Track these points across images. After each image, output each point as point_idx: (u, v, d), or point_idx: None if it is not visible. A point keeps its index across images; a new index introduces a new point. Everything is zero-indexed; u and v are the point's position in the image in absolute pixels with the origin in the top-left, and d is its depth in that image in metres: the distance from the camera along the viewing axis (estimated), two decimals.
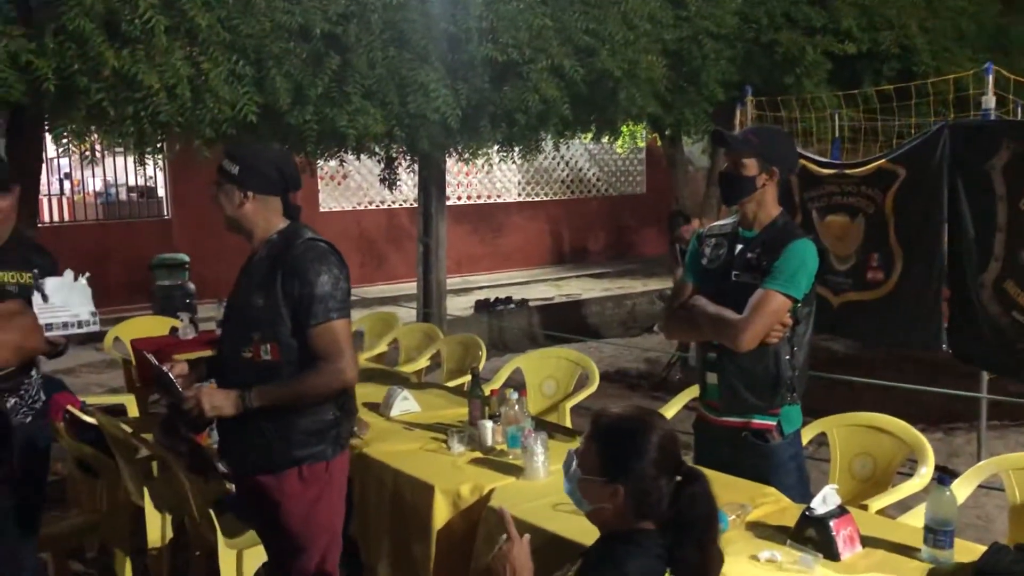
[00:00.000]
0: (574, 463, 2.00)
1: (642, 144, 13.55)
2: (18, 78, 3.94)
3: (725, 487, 2.57)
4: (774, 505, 2.73)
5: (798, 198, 5.66)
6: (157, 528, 3.84)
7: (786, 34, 7.17)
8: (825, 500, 2.42)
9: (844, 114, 6.45)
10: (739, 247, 2.93)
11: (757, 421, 2.92)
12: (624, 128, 9.24)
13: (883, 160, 5.26)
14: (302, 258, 2.60)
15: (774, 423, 2.92)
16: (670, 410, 4.09)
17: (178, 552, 3.90)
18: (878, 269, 5.29)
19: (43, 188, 8.93)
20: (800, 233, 2.90)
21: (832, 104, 6.70)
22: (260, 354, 2.62)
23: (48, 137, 5.76)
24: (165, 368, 2.72)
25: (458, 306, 10.07)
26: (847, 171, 5.45)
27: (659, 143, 10.81)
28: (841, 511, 2.41)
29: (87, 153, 5.09)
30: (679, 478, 1.95)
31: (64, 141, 4.95)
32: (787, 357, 2.86)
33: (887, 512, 3.13)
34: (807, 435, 3.30)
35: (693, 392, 4.03)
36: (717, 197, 8.94)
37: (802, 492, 2.88)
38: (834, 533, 2.35)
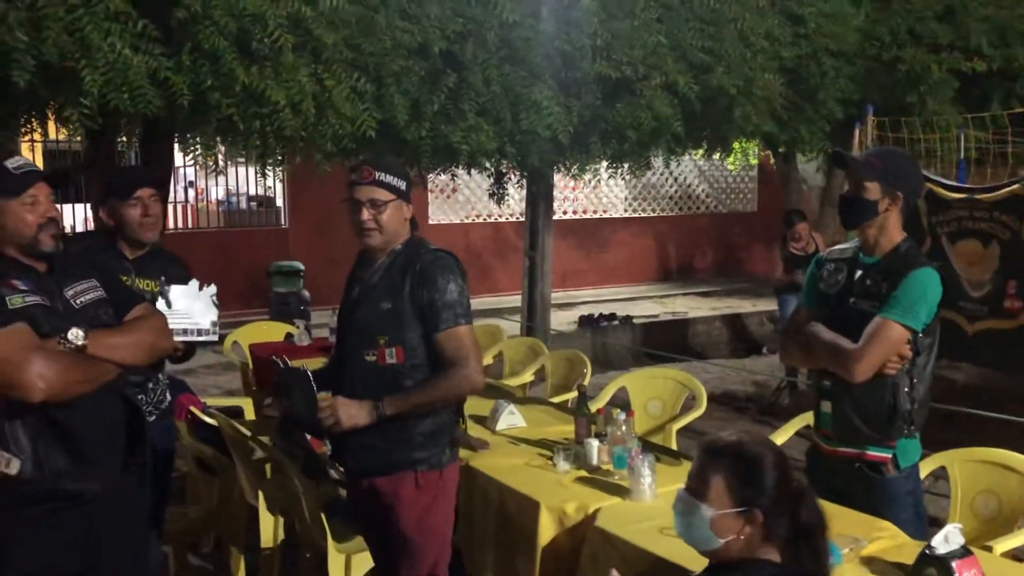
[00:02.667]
0: (698, 503, 1.94)
1: (754, 161, 13.31)
2: (156, 93, 4.15)
3: (838, 518, 2.48)
4: (890, 540, 2.64)
5: (926, 222, 5.48)
6: (270, 528, 3.97)
7: (910, 51, 6.91)
8: (947, 539, 2.33)
9: (971, 135, 6.19)
10: (858, 273, 2.85)
11: (872, 453, 2.83)
12: (736, 145, 9.09)
13: (1017, 185, 5.08)
14: (432, 267, 2.73)
15: (890, 455, 2.82)
16: (782, 436, 4.00)
17: (289, 553, 4.02)
18: (1016, 298, 5.10)
19: (170, 196, 9.37)
20: (923, 262, 2.79)
21: (957, 124, 6.43)
22: (385, 357, 2.72)
23: (176, 147, 6.10)
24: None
25: (562, 320, 10.08)
26: (978, 196, 5.26)
27: (772, 160, 10.61)
28: (965, 551, 2.31)
29: (216, 166, 5.32)
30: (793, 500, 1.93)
31: (194, 153, 5.22)
32: (906, 389, 2.77)
33: (1014, 554, 2.98)
34: (925, 468, 3.18)
35: (806, 419, 3.93)
36: (832, 217, 8.72)
37: (919, 529, 2.78)
38: (957, 575, 2.26)
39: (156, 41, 4.10)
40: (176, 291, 3.31)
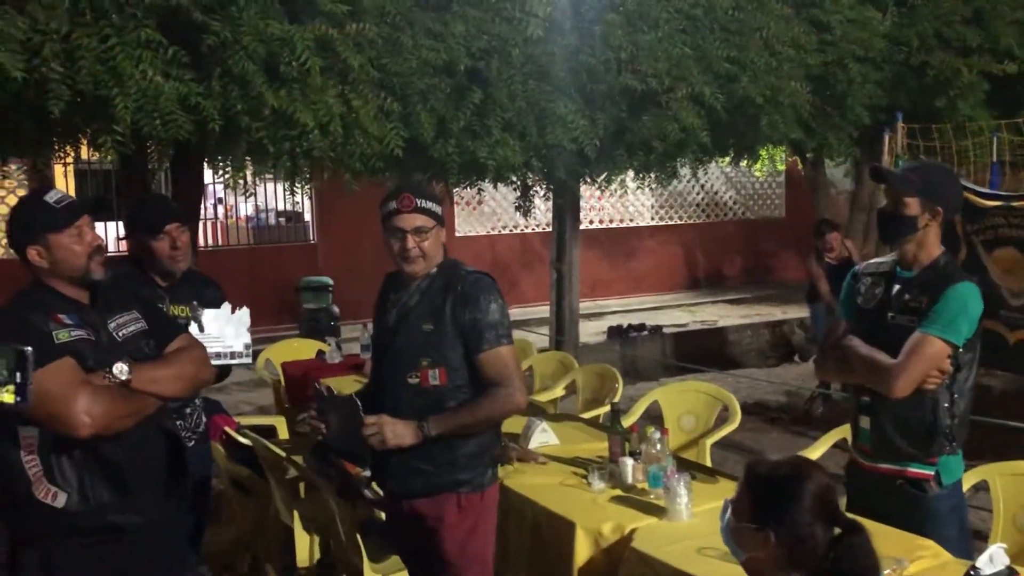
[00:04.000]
0: (729, 511, 1.98)
1: (782, 167, 13.23)
2: (187, 118, 4.21)
3: (879, 537, 2.43)
4: (933, 560, 2.60)
5: (961, 231, 5.41)
6: (305, 548, 3.99)
7: (938, 55, 6.85)
8: (992, 560, 2.29)
9: (1004, 139, 6.11)
10: (896, 287, 2.82)
11: (913, 470, 2.79)
12: (763, 152, 9.06)
13: None
14: (473, 287, 2.75)
15: (932, 472, 2.78)
16: (817, 450, 3.96)
17: (324, 573, 4.03)
18: None
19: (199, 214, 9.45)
20: (963, 276, 2.76)
21: (990, 127, 6.36)
22: (428, 379, 2.74)
23: (205, 165, 6.17)
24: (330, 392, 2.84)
25: (590, 331, 10.05)
26: (1014, 203, 5.19)
27: (800, 166, 10.54)
28: (1011, 572, 2.28)
29: (244, 185, 5.38)
30: (838, 529, 1.91)
31: (225, 175, 5.29)
32: (946, 405, 2.73)
33: None
34: (966, 481, 3.13)
35: (841, 432, 3.90)
36: (863, 222, 8.64)
37: (963, 547, 2.73)
38: None
39: (186, 67, 4.16)
40: (208, 315, 3.34)
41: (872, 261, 3.03)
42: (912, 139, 6.30)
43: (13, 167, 6.55)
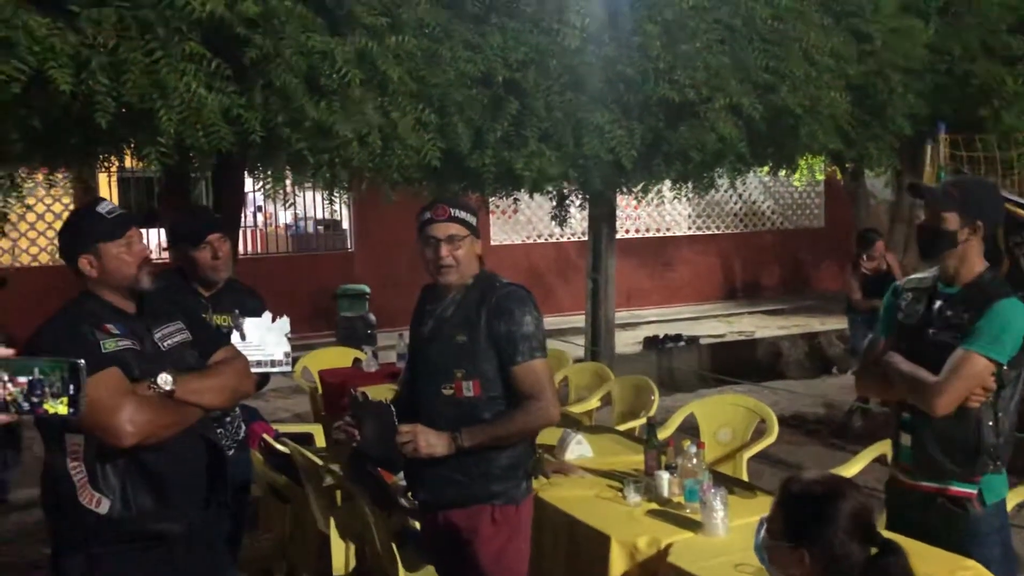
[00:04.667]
0: (763, 529, 1.98)
1: (821, 176, 13.10)
2: (229, 130, 4.26)
3: (920, 557, 2.41)
4: None
5: (1003, 244, 5.31)
6: (341, 556, 4.02)
7: (982, 64, 6.75)
8: None
9: None
10: (938, 303, 2.78)
11: (955, 488, 2.75)
12: (801, 161, 8.97)
13: None
14: (508, 300, 2.77)
15: (975, 491, 2.74)
16: (855, 465, 3.92)
17: None
18: None
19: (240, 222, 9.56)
20: (1007, 292, 2.71)
21: None
22: (462, 390, 2.76)
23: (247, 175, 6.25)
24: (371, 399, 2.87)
25: (626, 341, 10.02)
26: None
27: (839, 176, 10.42)
28: None
29: (284, 195, 5.44)
30: (874, 549, 1.90)
31: (265, 185, 5.36)
32: (990, 423, 2.68)
33: None
34: (1010, 500, 3.07)
35: (881, 447, 3.85)
36: (903, 234, 8.52)
37: (1007, 569, 2.69)
38: None
39: (229, 80, 4.22)
40: (249, 324, 3.39)
41: (913, 276, 2.99)
42: (955, 149, 6.21)
43: (59, 176, 6.68)
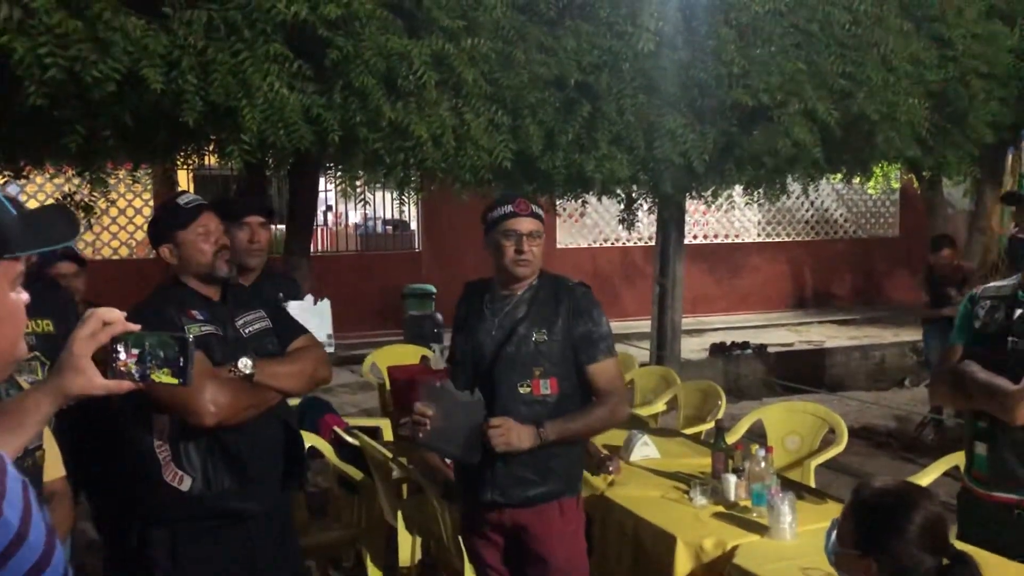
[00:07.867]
0: (834, 534, 1.97)
1: (896, 185, 12.82)
2: (309, 129, 4.39)
3: (993, 570, 2.38)
4: None
5: None
6: (408, 548, 4.10)
7: None
8: None
9: None
10: (1019, 312, 2.73)
11: None
12: (877, 169, 8.81)
13: None
14: (585, 299, 2.84)
15: None
16: (927, 476, 3.84)
17: (426, 573, 4.13)
18: None
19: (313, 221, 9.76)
20: None
21: None
22: (539, 388, 2.79)
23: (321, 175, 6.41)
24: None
25: (692, 347, 9.95)
26: None
27: (916, 184, 10.20)
28: None
29: (362, 195, 5.56)
30: (946, 560, 1.87)
31: (340, 183, 5.49)
32: None
33: None
34: None
35: (953, 460, 3.78)
36: (981, 243, 8.30)
37: None
38: None
39: (310, 80, 4.35)
40: (293, 307, 3.48)
41: (991, 285, 2.94)
42: None
43: (141, 172, 6.96)
